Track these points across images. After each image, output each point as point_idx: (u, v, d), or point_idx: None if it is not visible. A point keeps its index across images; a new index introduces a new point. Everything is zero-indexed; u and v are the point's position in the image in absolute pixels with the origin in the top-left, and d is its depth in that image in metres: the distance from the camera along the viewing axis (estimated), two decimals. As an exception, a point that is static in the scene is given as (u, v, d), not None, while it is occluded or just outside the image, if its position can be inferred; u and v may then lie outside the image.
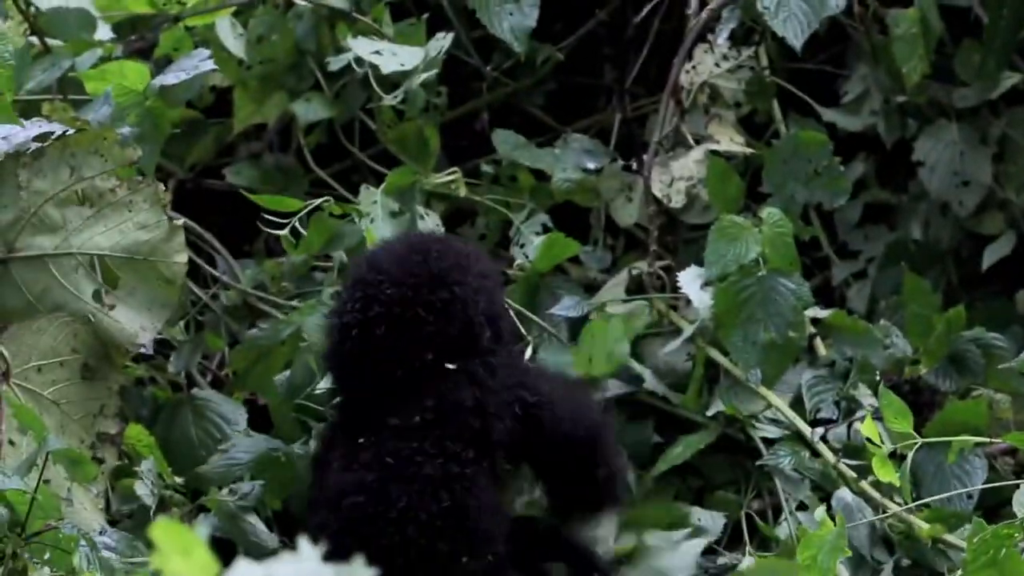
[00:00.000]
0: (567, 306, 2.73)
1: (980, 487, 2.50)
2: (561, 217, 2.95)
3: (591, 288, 2.87)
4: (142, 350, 2.46)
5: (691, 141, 2.91)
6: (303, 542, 1.15)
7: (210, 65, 2.65)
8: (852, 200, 2.93)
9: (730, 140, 2.92)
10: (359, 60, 2.87)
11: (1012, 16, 2.91)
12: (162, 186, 2.46)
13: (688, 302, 2.67)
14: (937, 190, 2.97)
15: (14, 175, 2.43)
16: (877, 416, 2.52)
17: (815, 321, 2.69)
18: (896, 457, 2.49)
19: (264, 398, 2.66)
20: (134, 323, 2.44)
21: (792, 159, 2.79)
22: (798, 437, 2.59)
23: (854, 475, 2.51)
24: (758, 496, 2.62)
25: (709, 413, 2.61)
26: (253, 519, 2.48)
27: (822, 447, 2.56)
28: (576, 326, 2.72)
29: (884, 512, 2.47)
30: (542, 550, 2.39)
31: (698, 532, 2.52)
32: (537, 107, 3.20)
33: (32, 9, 2.77)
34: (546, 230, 2.89)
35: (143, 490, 2.42)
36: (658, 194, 2.87)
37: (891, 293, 2.91)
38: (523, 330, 2.68)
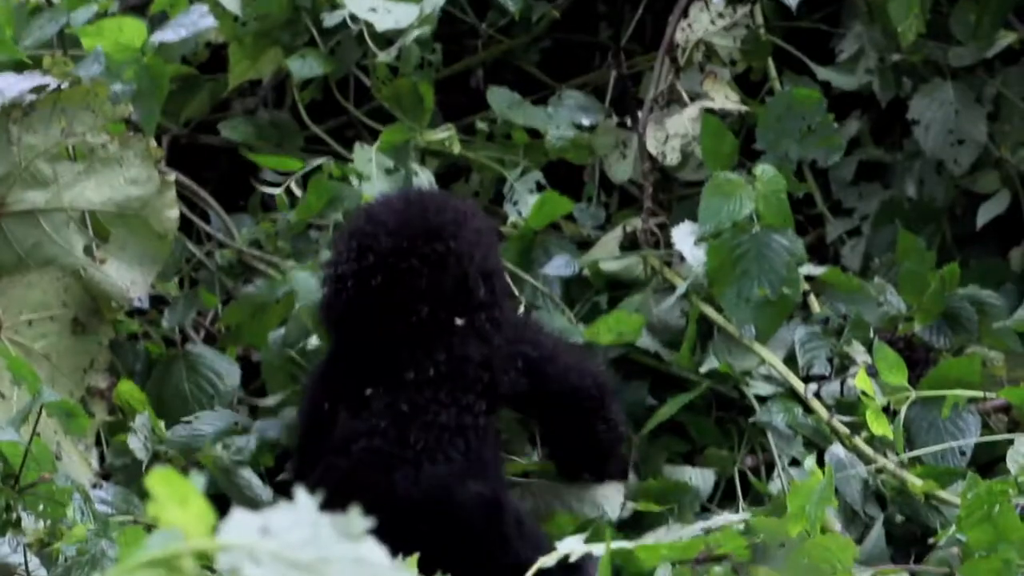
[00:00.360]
0: (558, 265, 2.73)
1: (974, 441, 2.50)
2: (555, 174, 2.95)
3: (585, 245, 2.86)
4: (136, 304, 2.46)
5: (686, 98, 2.90)
6: (300, 492, 1.14)
7: (210, 21, 2.64)
8: (846, 158, 2.93)
9: (725, 98, 2.90)
10: (354, 16, 2.85)
11: (1008, -26, 2.90)
12: (153, 141, 2.46)
13: (682, 259, 2.67)
14: (932, 148, 2.96)
15: (5, 130, 2.42)
16: (871, 371, 2.52)
17: (809, 278, 2.69)
18: (889, 413, 2.49)
19: (257, 353, 2.66)
20: (125, 278, 2.44)
21: (786, 116, 2.78)
22: (791, 393, 2.59)
23: (847, 431, 2.51)
24: (751, 452, 2.62)
25: (703, 370, 2.61)
26: (248, 473, 2.48)
27: (815, 403, 2.56)
28: (568, 284, 2.71)
29: (877, 468, 2.47)
30: None
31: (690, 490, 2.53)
32: (532, 64, 3.18)
33: (29, -37, 2.77)
34: (540, 187, 2.89)
35: (136, 444, 2.42)
36: (652, 151, 2.86)
37: (885, 250, 2.90)
38: (515, 289, 2.67)
